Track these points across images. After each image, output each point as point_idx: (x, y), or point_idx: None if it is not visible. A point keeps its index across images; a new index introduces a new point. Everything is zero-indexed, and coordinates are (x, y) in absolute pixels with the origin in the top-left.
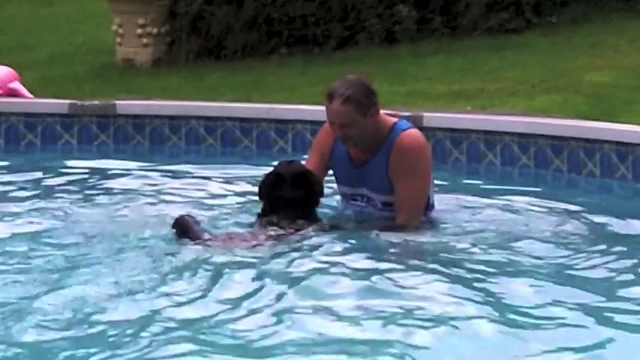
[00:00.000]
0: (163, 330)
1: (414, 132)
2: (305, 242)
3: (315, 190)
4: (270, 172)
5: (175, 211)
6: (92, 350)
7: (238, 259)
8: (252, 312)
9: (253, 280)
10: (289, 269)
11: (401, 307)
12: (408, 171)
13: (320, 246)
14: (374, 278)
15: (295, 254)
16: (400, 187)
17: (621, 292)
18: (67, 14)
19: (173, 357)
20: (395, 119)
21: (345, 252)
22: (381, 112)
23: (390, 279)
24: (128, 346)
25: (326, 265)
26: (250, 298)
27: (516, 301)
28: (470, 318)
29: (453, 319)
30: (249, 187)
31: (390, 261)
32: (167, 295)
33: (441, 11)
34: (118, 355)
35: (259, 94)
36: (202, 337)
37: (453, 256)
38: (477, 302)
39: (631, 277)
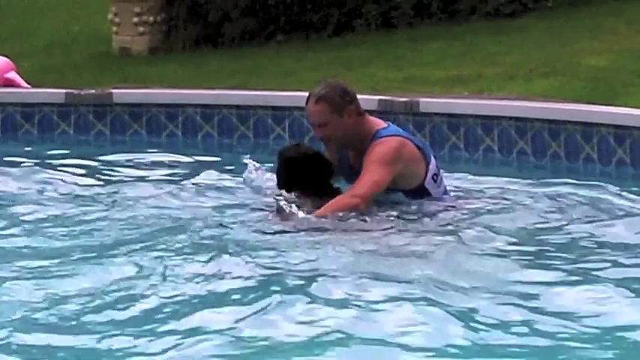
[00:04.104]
0: None
1: (389, 139)
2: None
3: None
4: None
5: (173, 200)
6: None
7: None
8: None
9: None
10: None
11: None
12: (366, 163)
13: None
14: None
15: None
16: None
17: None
18: (64, 2)
19: None
20: (383, 125)
21: None
22: (372, 118)
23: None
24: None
25: None
26: None
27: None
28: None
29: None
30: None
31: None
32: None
33: None
34: None
35: (257, 81)
36: None
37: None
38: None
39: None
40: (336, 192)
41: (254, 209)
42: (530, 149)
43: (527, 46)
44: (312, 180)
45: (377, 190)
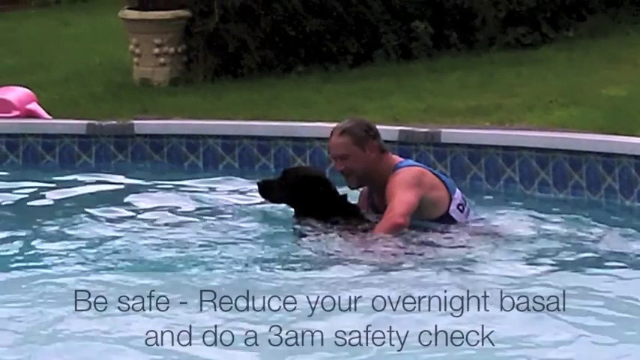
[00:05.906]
0: None
1: (408, 168)
2: None
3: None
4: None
5: (194, 230)
6: None
7: None
8: None
9: None
10: None
11: None
12: (390, 192)
13: None
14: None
15: None
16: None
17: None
18: (84, 34)
19: None
20: (400, 159)
21: None
22: (393, 155)
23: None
24: None
25: None
26: None
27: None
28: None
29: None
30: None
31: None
32: None
33: (457, 27)
34: None
35: (277, 112)
36: None
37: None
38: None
39: None
40: (354, 207)
41: (278, 238)
42: (551, 180)
43: (546, 76)
44: (319, 198)
45: (411, 208)
